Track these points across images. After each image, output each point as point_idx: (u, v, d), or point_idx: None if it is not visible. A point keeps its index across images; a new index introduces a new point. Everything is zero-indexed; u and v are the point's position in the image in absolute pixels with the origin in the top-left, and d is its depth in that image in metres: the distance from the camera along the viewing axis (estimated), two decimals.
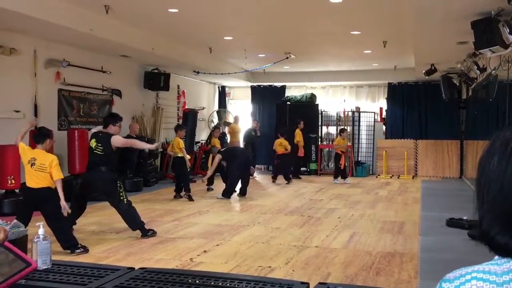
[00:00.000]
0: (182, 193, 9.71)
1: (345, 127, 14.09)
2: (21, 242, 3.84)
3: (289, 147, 12.82)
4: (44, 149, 5.56)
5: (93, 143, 6.42)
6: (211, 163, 11.26)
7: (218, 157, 10.14)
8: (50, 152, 5.76)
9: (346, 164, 13.57)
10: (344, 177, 12.99)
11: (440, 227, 7.15)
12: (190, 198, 9.53)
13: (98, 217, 7.61)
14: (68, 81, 9.73)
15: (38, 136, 5.63)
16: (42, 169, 5.40)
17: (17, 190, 7.90)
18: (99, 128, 6.73)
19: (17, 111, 8.52)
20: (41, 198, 5.48)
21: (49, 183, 5.46)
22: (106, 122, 6.63)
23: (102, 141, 6.40)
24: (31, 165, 5.41)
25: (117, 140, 6.51)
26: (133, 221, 6.43)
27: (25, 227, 4.69)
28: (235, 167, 9.94)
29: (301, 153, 13.95)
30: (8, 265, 1.46)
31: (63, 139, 9.29)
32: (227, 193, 9.86)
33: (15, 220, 4.56)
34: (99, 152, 6.36)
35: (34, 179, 5.44)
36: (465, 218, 7.01)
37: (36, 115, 8.91)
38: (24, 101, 8.74)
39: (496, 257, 0.85)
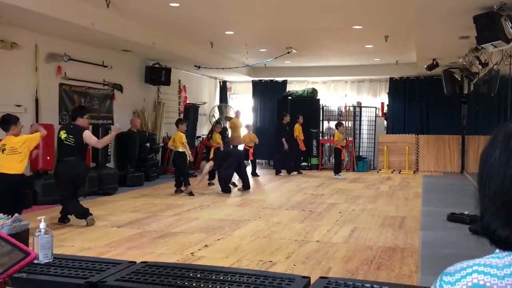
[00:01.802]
0: (183, 188, 9.72)
1: (341, 121, 14.10)
2: (22, 236, 3.84)
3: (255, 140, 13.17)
4: (13, 135, 5.87)
5: (62, 134, 6.66)
6: (213, 157, 11.30)
7: (210, 164, 10.16)
8: None
9: (347, 159, 13.62)
10: (338, 171, 12.97)
11: (441, 222, 7.15)
12: (191, 193, 9.54)
13: (99, 212, 7.61)
14: (69, 75, 9.72)
15: (3, 124, 5.96)
16: (14, 151, 5.68)
17: None
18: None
19: (18, 106, 8.52)
20: (14, 184, 5.76)
21: (21, 169, 5.76)
22: (74, 115, 6.97)
23: (73, 133, 6.66)
24: (2, 151, 5.67)
25: (89, 139, 6.77)
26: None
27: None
28: (224, 168, 9.97)
29: (302, 147, 13.94)
30: (7, 256, 1.46)
31: None
32: (223, 191, 9.89)
33: (16, 214, 4.56)
34: (70, 143, 6.62)
35: (6, 165, 5.68)
36: (466, 213, 7.01)
37: (37, 109, 8.92)
38: (25, 95, 8.74)
39: (497, 250, 0.85)
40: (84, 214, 6.68)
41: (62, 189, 6.77)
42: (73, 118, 6.98)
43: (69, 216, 6.81)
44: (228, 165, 10.00)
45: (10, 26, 8.16)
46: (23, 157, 5.85)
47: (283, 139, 13.41)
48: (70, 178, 6.65)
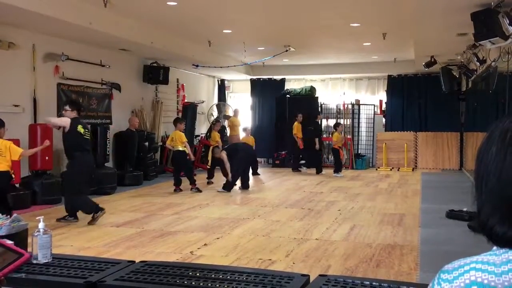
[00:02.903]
0: (192, 186, 9.76)
1: (339, 121, 14.07)
2: (21, 236, 3.83)
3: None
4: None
5: (81, 129, 6.83)
6: (211, 157, 11.31)
7: (224, 153, 10.14)
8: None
9: (345, 157, 13.59)
10: (338, 170, 12.95)
11: (440, 219, 7.16)
12: (198, 190, 9.71)
13: None
14: (67, 75, 9.71)
15: None
16: (0, 154, 5.93)
17: (17, 185, 7.91)
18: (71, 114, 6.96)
19: (16, 106, 8.51)
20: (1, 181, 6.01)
21: (7, 167, 6.01)
22: (81, 109, 7.41)
23: (87, 128, 7.06)
24: None
25: None
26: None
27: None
28: (237, 162, 9.97)
29: (300, 145, 13.91)
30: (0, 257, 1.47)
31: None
32: (227, 187, 9.88)
33: (15, 214, 4.57)
34: (88, 137, 7.04)
35: None
36: (465, 209, 7.02)
37: (35, 109, 8.91)
38: (23, 95, 8.73)
39: (495, 247, 0.85)
40: (96, 208, 6.75)
41: (80, 181, 6.86)
42: (79, 112, 7.18)
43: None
44: (241, 158, 9.96)
45: (7, 25, 8.14)
46: (7, 162, 6.04)
47: (316, 139, 13.29)
48: (90, 169, 7.06)
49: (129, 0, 7.96)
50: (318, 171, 13.31)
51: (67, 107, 7.10)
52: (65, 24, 8.01)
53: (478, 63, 9.40)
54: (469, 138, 14.29)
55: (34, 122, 8.80)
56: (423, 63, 11.56)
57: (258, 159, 15.04)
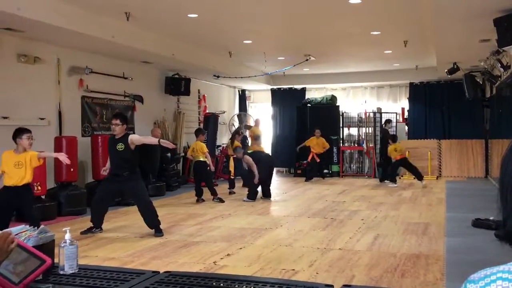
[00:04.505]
0: (215, 199, 9.75)
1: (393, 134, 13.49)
2: (48, 247, 3.89)
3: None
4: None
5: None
6: (233, 166, 11.31)
7: (249, 159, 10.07)
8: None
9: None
10: (394, 180, 12.64)
11: (466, 227, 7.04)
12: (221, 200, 9.71)
13: (121, 222, 7.70)
14: (91, 88, 9.88)
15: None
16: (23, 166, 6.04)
17: (43, 197, 8.05)
18: (122, 129, 6.85)
19: (42, 119, 8.69)
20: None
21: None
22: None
23: None
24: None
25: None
26: None
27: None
28: (258, 171, 9.97)
29: (316, 158, 13.78)
30: (23, 264, 1.48)
31: (87, 146, 9.43)
32: (251, 195, 9.91)
33: (42, 226, 4.65)
34: None
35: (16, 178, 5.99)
36: (491, 218, 6.89)
37: (60, 122, 9.08)
38: (49, 108, 8.91)
39: None
40: (99, 225, 6.98)
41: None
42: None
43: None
44: (262, 167, 9.97)
45: (33, 40, 8.34)
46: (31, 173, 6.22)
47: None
48: None
49: (151, 13, 8.08)
50: (382, 180, 13.04)
51: (118, 121, 6.65)
52: (88, 38, 8.17)
53: (502, 69, 9.28)
54: (494, 145, 14.04)
55: (59, 134, 8.96)
56: (446, 70, 11.44)
57: (279, 168, 15.05)
